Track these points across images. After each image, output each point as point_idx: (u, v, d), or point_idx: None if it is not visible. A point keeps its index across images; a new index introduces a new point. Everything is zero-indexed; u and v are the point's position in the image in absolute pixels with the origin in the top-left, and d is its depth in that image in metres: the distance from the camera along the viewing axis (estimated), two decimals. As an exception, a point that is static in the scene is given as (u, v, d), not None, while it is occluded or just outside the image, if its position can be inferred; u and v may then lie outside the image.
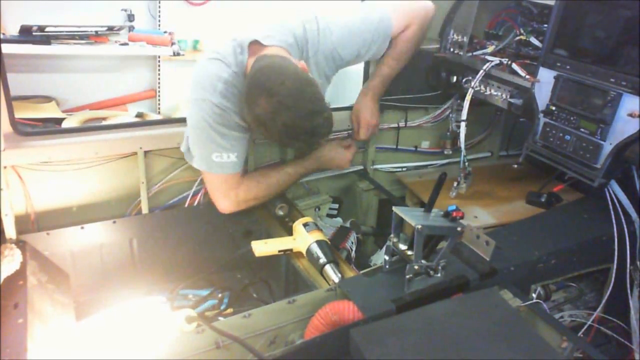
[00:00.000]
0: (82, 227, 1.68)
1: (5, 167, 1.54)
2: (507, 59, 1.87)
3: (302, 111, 1.46)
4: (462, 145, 1.97)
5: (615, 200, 1.68)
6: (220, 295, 1.68)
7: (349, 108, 2.07)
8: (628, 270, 1.62)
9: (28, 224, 1.63)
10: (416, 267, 1.28)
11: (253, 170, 1.92)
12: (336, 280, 1.49)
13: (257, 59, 1.56)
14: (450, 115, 2.23)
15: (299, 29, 1.71)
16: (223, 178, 1.70)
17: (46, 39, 3.17)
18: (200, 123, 1.62)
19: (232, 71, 1.61)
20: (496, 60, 1.89)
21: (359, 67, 2.09)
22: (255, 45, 1.63)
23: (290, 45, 1.67)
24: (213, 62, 1.62)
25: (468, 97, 1.92)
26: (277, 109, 1.44)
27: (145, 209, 1.78)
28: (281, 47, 1.64)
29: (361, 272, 1.49)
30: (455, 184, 2.02)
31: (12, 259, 1.45)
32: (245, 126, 1.67)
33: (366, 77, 2.06)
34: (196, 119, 1.63)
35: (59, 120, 3.28)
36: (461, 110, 1.96)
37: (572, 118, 1.60)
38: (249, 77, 1.53)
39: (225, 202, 1.74)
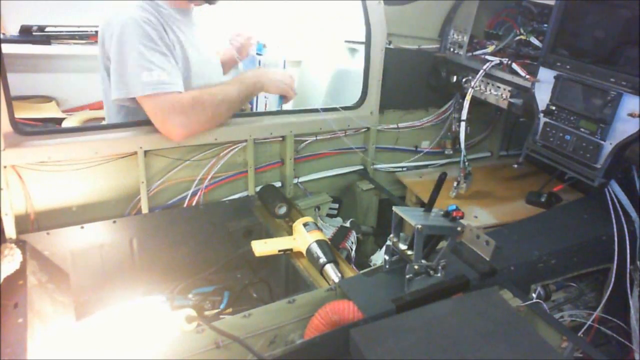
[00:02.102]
0: (82, 227, 1.68)
1: (5, 167, 1.53)
2: (507, 59, 1.87)
3: None
4: (462, 145, 1.97)
5: (615, 200, 1.68)
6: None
7: (349, 108, 2.08)
8: (628, 270, 1.62)
9: (28, 223, 1.63)
10: (416, 267, 1.28)
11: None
12: (336, 280, 1.49)
13: None
14: (454, 115, 2.23)
15: None
16: (162, 98, 1.63)
17: (46, 39, 3.17)
18: (124, 45, 1.62)
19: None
20: (496, 60, 1.89)
21: (359, 67, 2.09)
22: None
23: None
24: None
25: (468, 97, 1.92)
26: None
27: (145, 209, 1.78)
28: None
29: (361, 272, 1.49)
30: (455, 183, 2.02)
31: (12, 259, 1.45)
32: (168, 44, 1.69)
33: (366, 76, 2.06)
34: (120, 42, 1.62)
35: (59, 120, 3.28)
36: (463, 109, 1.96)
37: (572, 118, 1.60)
38: None
39: (174, 120, 1.66)
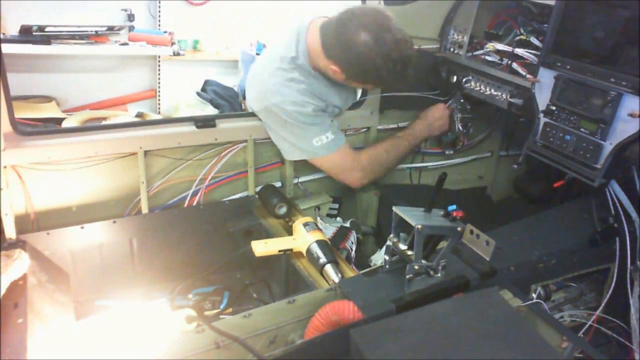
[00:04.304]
0: (82, 227, 1.68)
1: (5, 167, 1.53)
2: (507, 59, 1.87)
3: (394, 40, 1.66)
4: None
5: (616, 200, 1.67)
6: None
7: (349, 108, 2.07)
8: (628, 270, 1.62)
9: (28, 223, 1.63)
10: (416, 267, 1.28)
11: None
12: (336, 280, 1.49)
13: (326, 21, 1.75)
14: (455, 115, 2.22)
15: None
16: (334, 157, 1.85)
17: (46, 39, 3.18)
18: (286, 124, 1.78)
19: (295, 65, 1.77)
20: (496, 59, 1.89)
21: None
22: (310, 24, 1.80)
23: None
24: (276, 73, 1.77)
25: None
26: (378, 37, 1.64)
27: (145, 209, 1.78)
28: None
29: (361, 272, 1.49)
30: None
31: (21, 262, 1.44)
32: (322, 107, 1.81)
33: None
34: (282, 122, 1.79)
35: (59, 120, 3.28)
36: (465, 109, 1.97)
37: (572, 118, 1.60)
38: (336, 24, 1.69)
39: (351, 175, 1.90)
